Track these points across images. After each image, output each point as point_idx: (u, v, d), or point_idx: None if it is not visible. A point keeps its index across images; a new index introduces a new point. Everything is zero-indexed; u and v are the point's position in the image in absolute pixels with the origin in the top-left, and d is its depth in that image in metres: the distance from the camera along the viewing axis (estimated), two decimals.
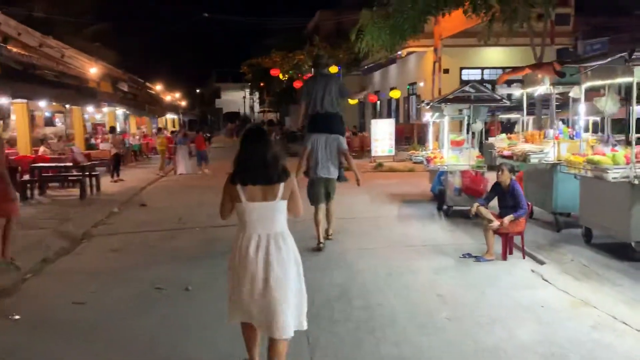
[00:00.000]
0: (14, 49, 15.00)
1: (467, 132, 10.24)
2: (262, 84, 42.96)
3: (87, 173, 13.17)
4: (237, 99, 72.63)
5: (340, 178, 7.96)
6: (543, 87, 8.48)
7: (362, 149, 23.87)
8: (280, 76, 30.81)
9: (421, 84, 25.24)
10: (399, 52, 24.49)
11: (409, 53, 25.84)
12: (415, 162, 14.68)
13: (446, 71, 21.71)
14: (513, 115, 20.56)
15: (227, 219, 3.80)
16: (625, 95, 8.92)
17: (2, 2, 20.98)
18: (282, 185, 3.59)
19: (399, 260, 6.98)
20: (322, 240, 7.59)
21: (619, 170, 6.20)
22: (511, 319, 5.01)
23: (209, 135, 35.15)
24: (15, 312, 5.38)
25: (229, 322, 3.85)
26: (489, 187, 9.53)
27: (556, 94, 11.58)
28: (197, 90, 79.91)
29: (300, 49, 30.62)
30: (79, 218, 10.27)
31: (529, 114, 15.64)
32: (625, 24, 22.63)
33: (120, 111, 25.93)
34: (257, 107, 68.38)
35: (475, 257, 6.95)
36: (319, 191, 7.68)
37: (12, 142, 14.82)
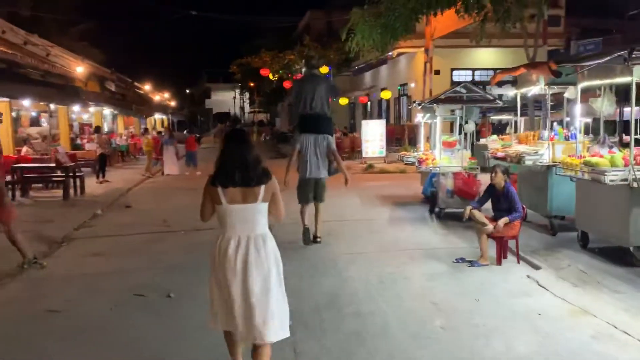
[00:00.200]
0: None
1: (460, 133, 10.04)
2: (252, 84, 42.63)
3: (71, 174, 12.84)
4: (228, 100, 72.32)
5: (331, 172, 8.04)
6: (537, 88, 8.28)
7: (353, 150, 23.63)
8: (270, 76, 30.50)
9: (412, 85, 25.09)
10: (390, 53, 24.34)
11: (400, 54, 25.69)
12: (406, 164, 14.47)
13: (437, 72, 21.57)
14: (504, 117, 20.47)
15: (208, 221, 3.74)
16: (616, 95, 8.75)
17: None
18: (263, 187, 3.57)
19: (391, 266, 6.74)
20: (307, 224, 7.82)
21: (618, 172, 5.99)
22: (508, 328, 4.79)
23: (198, 135, 34.79)
24: None
25: (209, 327, 3.78)
26: (482, 190, 9.38)
27: (550, 94, 11.46)
28: (187, 91, 79.44)
29: (291, 49, 30.35)
30: (60, 220, 9.98)
31: (521, 115, 15.52)
32: (616, 26, 22.68)
33: (107, 111, 25.55)
34: (247, 108, 68.05)
35: (469, 261, 6.73)
36: (308, 191, 7.82)
37: None
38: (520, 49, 19.41)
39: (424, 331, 4.77)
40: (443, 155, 9.89)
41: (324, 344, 4.54)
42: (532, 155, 7.75)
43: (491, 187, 6.86)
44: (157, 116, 40.97)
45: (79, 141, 21.89)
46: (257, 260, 3.52)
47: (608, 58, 5.91)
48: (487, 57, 23.43)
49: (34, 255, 6.93)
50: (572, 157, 7.07)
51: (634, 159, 6.03)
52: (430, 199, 10.42)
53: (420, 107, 11.09)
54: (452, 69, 23.85)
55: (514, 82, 17.75)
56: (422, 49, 21.01)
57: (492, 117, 20.21)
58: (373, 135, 21.19)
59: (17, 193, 12.33)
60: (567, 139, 7.98)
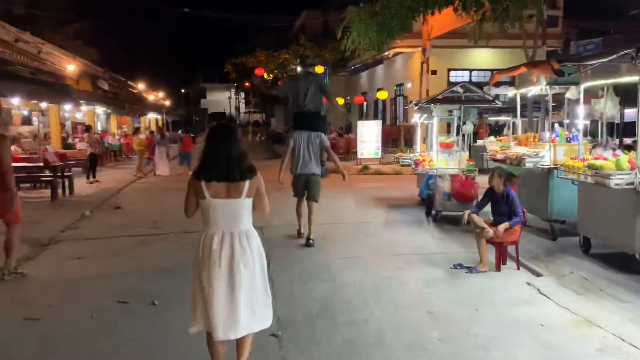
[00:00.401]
0: None
1: (457, 134, 9.81)
2: (247, 84, 42.31)
3: (59, 174, 12.55)
4: (223, 100, 71.92)
5: (322, 174, 8.15)
6: (537, 88, 8.04)
7: (348, 150, 23.40)
8: (265, 75, 30.20)
9: (408, 85, 24.89)
10: (386, 53, 24.14)
11: (396, 54, 25.50)
12: (402, 165, 14.26)
13: (434, 72, 21.40)
14: (501, 118, 20.29)
15: (192, 217, 3.69)
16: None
17: None
18: (247, 182, 3.54)
19: (387, 271, 6.49)
20: (302, 230, 8.09)
21: (623, 176, 5.75)
22: (509, 339, 4.55)
23: (192, 135, 34.47)
24: None
25: (191, 331, 3.65)
26: (480, 192, 9.15)
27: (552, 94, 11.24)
28: (182, 90, 79.07)
29: (286, 48, 30.09)
30: (47, 221, 9.68)
31: (521, 116, 15.31)
32: (614, 27, 22.51)
33: (100, 110, 25.22)
34: (243, 108, 67.71)
35: (467, 267, 6.49)
36: (299, 186, 7.98)
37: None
38: (517, 50, 19.25)
39: (421, 341, 4.53)
40: (440, 156, 9.65)
41: (316, 354, 4.30)
42: (532, 158, 7.51)
43: (490, 191, 6.62)
44: (151, 116, 40.58)
45: (70, 140, 21.58)
46: (243, 256, 3.49)
47: (614, 57, 5.68)
48: (484, 58, 23.28)
49: (15, 265, 6.59)
50: (575, 159, 6.84)
51: None
52: (426, 202, 10.18)
53: (417, 107, 10.86)
54: (449, 69, 23.68)
55: (511, 83, 17.55)
56: (419, 48, 20.84)
57: (489, 118, 20.03)
58: (369, 136, 20.96)
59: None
60: (568, 140, 7.75)
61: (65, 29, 31.48)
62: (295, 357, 4.25)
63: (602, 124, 7.68)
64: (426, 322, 4.94)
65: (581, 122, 7.06)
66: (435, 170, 9.41)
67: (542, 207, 7.77)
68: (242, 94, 59.64)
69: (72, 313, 5.32)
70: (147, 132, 24.19)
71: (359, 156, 20.82)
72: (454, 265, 6.59)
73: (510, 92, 9.38)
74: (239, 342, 3.69)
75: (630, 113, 13.64)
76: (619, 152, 6.74)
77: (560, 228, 7.83)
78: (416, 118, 11.74)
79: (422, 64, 20.46)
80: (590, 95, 8.16)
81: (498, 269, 6.41)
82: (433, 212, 9.61)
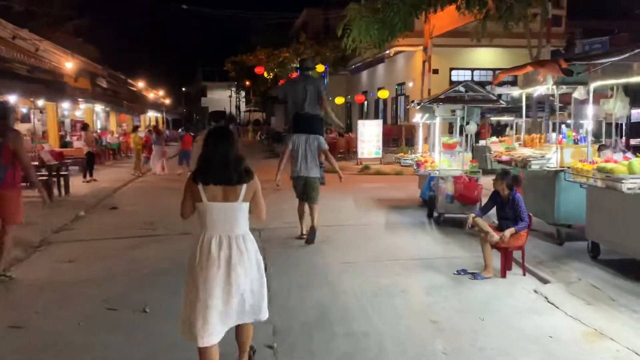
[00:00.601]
0: None
1: (460, 135, 9.57)
2: (247, 83, 42.04)
3: (54, 173, 12.32)
4: (224, 98, 71.59)
5: (321, 180, 8.20)
6: (543, 87, 7.79)
7: (348, 150, 23.17)
8: (265, 74, 29.93)
9: (410, 84, 24.64)
10: (387, 51, 23.89)
11: (397, 52, 25.25)
12: (403, 166, 14.02)
13: (435, 72, 21.15)
14: (503, 118, 20.03)
15: (187, 219, 3.68)
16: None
17: None
18: (244, 186, 3.53)
19: (387, 277, 6.25)
20: (304, 231, 8.09)
21: (636, 180, 5.50)
22: (517, 352, 4.31)
23: (193, 134, 34.25)
24: None
25: (181, 335, 3.63)
26: (483, 194, 8.91)
27: (552, 94, 10.97)
28: (183, 89, 78.82)
29: (286, 47, 29.81)
30: (40, 222, 9.42)
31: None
32: (618, 26, 22.27)
33: (99, 108, 25.00)
34: (243, 107, 67.45)
35: (472, 273, 6.26)
36: (298, 187, 8.03)
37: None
38: (519, 49, 18.99)
39: (424, 355, 4.30)
40: (443, 157, 9.41)
41: None
42: (538, 160, 7.26)
43: (496, 194, 6.39)
44: (151, 114, 40.38)
45: (68, 138, 21.34)
46: (241, 259, 3.49)
47: (626, 55, 5.43)
48: (486, 57, 23.04)
49: (4, 268, 6.38)
50: (583, 162, 6.59)
51: None
52: (428, 203, 9.95)
53: (419, 107, 10.61)
54: (451, 69, 23.43)
55: (513, 83, 17.30)
56: (421, 47, 20.62)
57: (491, 118, 19.76)
58: (369, 136, 20.72)
59: None
60: (576, 142, 7.50)
61: (65, 27, 31.24)
62: None
63: (613, 125, 7.42)
64: (430, 334, 4.70)
65: (590, 123, 6.80)
66: (437, 172, 9.18)
67: (548, 211, 7.52)
68: (243, 93, 59.33)
69: (58, 320, 5.08)
70: (146, 131, 23.94)
71: (360, 156, 20.59)
72: (457, 271, 6.36)
73: (515, 91, 9.13)
74: (240, 339, 3.78)
75: (636, 113, 13.41)
76: (629, 154, 6.49)
77: (567, 232, 7.58)
78: (418, 118, 11.48)
79: (423, 62, 20.22)
80: (598, 95, 7.92)
81: (503, 275, 6.18)
82: (435, 214, 9.39)
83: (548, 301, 5.41)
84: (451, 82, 21.88)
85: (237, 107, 68.43)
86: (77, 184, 14.14)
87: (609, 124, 10.23)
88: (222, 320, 3.47)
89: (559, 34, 21.60)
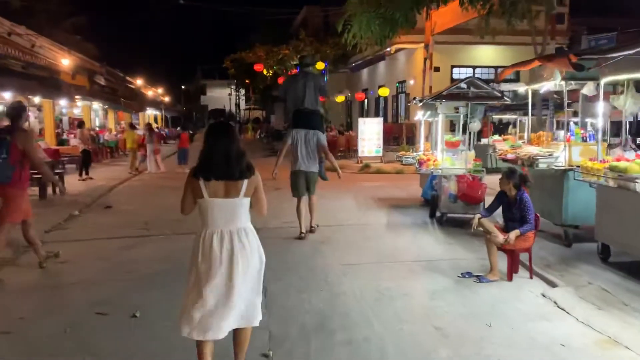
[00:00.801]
0: None
1: (464, 133, 9.32)
2: (247, 81, 41.72)
3: None
4: (223, 96, 71.25)
5: (322, 176, 8.33)
6: (550, 84, 7.54)
7: (349, 148, 22.92)
8: (265, 72, 29.64)
9: (411, 82, 24.38)
10: (388, 49, 23.64)
11: (398, 50, 25.00)
12: (404, 164, 13.79)
13: (437, 69, 20.92)
14: (506, 116, 19.81)
15: (187, 215, 3.64)
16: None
17: None
18: (245, 181, 3.49)
19: (389, 280, 6.00)
20: (304, 230, 8.03)
21: None
22: None
23: (191, 132, 34.02)
24: None
25: (184, 333, 3.47)
26: (487, 194, 8.67)
27: (557, 92, 10.72)
28: (182, 87, 78.52)
29: (286, 44, 29.52)
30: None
31: (524, 113, 14.82)
32: (621, 24, 22.01)
33: (96, 105, 24.74)
34: (243, 105, 67.15)
35: (477, 276, 6.02)
36: (300, 183, 8.05)
37: None
38: (521, 47, 18.79)
39: None
40: (445, 156, 9.17)
41: None
42: (546, 158, 7.01)
43: (502, 194, 6.14)
44: (150, 112, 40.11)
45: (65, 136, 21.09)
46: (243, 252, 3.46)
47: None
48: (488, 55, 22.80)
49: None
50: (593, 160, 6.34)
51: None
52: (430, 203, 9.72)
53: (421, 104, 10.36)
54: (452, 66, 23.19)
55: (514, 80, 17.07)
56: (422, 45, 20.38)
57: (493, 116, 19.54)
58: (370, 134, 20.45)
59: None
60: (584, 140, 7.25)
61: (63, 24, 31.01)
62: None
63: (623, 122, 7.16)
64: (434, 341, 4.46)
65: (600, 121, 6.54)
66: (440, 171, 8.94)
67: (555, 211, 7.26)
68: (242, 91, 59.03)
69: (45, 325, 4.84)
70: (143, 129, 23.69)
71: (360, 154, 20.33)
72: (462, 274, 6.12)
73: (521, 88, 8.88)
74: (236, 342, 3.66)
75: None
76: None
77: (575, 233, 7.33)
78: (420, 115, 11.24)
79: (425, 60, 19.98)
80: (607, 91, 7.66)
81: (510, 278, 5.94)
82: (438, 214, 9.16)
83: (557, 306, 5.18)
84: (452, 80, 21.66)
85: (237, 105, 68.11)
86: (73, 182, 13.92)
87: (612, 122, 9.99)
88: (222, 317, 3.42)
89: (562, 31, 21.40)
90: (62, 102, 20.25)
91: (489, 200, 7.94)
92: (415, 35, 18.58)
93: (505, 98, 9.05)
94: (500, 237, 5.87)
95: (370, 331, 4.63)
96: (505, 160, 8.01)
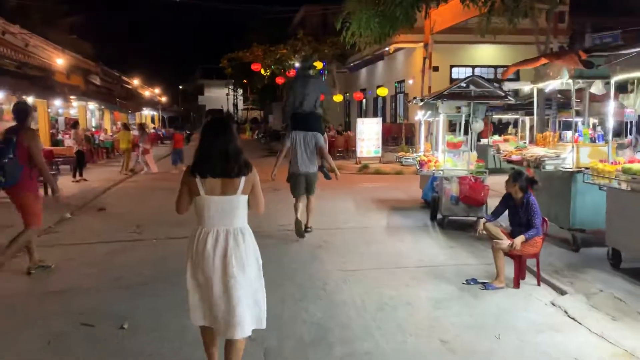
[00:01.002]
0: None
1: (466, 133, 9.06)
2: (245, 81, 41.38)
3: None
4: (221, 96, 70.95)
5: (325, 175, 8.43)
6: (557, 82, 7.27)
7: (347, 149, 22.65)
8: (262, 71, 29.32)
9: (410, 82, 24.13)
10: (387, 48, 23.40)
11: (397, 49, 24.75)
12: (404, 165, 13.55)
13: (436, 69, 20.68)
14: (507, 116, 19.55)
15: (182, 215, 3.56)
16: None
17: None
18: (243, 179, 3.41)
19: (391, 288, 5.73)
20: (298, 216, 7.96)
21: None
22: None
23: (188, 132, 33.73)
24: None
25: (193, 323, 3.57)
26: (490, 196, 8.41)
27: (560, 91, 10.47)
28: (180, 87, 78.21)
29: (284, 43, 29.22)
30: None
31: (528, 114, 14.56)
32: (621, 24, 21.79)
33: (92, 105, 24.43)
34: (241, 105, 66.83)
35: (482, 283, 5.76)
36: (300, 184, 8.04)
37: None
38: (521, 46, 18.56)
39: None
40: (447, 157, 8.91)
41: None
42: (553, 160, 6.74)
43: (508, 197, 5.88)
44: (147, 112, 39.80)
45: (59, 137, 20.79)
46: (237, 254, 3.38)
47: None
48: (488, 54, 22.55)
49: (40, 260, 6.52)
50: (604, 162, 6.07)
51: None
52: (431, 205, 9.46)
53: (421, 103, 10.10)
54: (452, 66, 22.92)
55: (514, 79, 16.76)
56: (421, 44, 20.16)
57: (493, 116, 19.27)
58: (369, 134, 20.17)
59: None
60: (593, 140, 6.98)
61: (59, 23, 30.69)
62: None
63: (634, 122, 6.89)
64: (440, 355, 4.19)
65: (611, 121, 6.27)
66: (441, 172, 8.68)
67: (562, 215, 6.99)
68: (240, 91, 58.70)
69: (27, 340, 4.55)
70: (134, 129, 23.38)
71: (358, 155, 20.06)
72: (466, 281, 5.86)
73: (526, 87, 8.62)
74: (228, 345, 3.52)
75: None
76: None
77: (582, 237, 7.06)
78: (420, 115, 10.97)
79: (424, 59, 19.73)
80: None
81: (517, 285, 5.68)
82: (439, 216, 8.89)
83: (568, 315, 4.92)
84: (451, 80, 21.42)
85: (235, 105, 67.79)
86: (67, 184, 13.60)
87: (618, 122, 9.74)
88: (223, 314, 3.38)
89: (562, 30, 21.15)
90: (57, 102, 19.93)
91: (491, 202, 7.69)
92: (414, 34, 18.33)
93: (509, 98, 8.77)
94: (506, 243, 5.61)
95: (372, 344, 4.36)
96: (510, 162, 7.75)
